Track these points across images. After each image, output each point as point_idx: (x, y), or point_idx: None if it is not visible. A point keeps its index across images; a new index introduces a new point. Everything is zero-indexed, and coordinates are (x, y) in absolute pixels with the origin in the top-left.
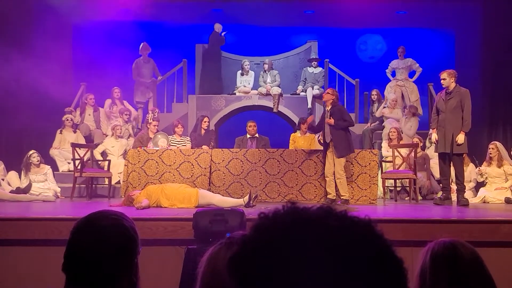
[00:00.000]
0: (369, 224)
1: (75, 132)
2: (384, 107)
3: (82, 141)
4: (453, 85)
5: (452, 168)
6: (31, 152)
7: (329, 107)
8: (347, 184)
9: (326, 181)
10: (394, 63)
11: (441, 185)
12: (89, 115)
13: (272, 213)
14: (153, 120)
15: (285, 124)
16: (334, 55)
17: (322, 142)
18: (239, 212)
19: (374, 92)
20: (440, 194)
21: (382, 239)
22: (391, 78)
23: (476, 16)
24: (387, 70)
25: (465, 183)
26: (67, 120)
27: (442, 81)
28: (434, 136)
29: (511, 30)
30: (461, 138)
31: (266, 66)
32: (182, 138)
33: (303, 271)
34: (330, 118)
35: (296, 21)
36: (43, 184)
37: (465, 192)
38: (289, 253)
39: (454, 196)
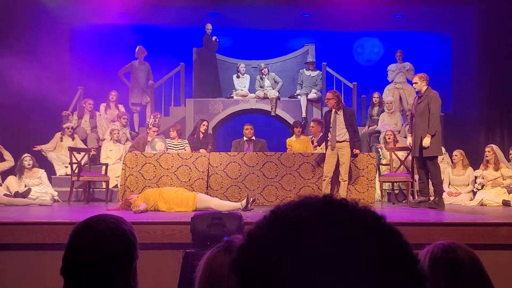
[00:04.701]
0: (378, 217)
1: (73, 140)
2: (383, 112)
3: (81, 146)
4: (424, 88)
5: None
6: (24, 155)
7: (338, 111)
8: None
9: (324, 182)
10: (392, 67)
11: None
12: (86, 121)
13: (281, 207)
14: (153, 126)
15: (282, 127)
16: (331, 59)
17: (318, 144)
18: (237, 216)
19: (375, 95)
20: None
21: (394, 232)
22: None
23: (472, 19)
24: (388, 77)
25: (463, 186)
26: (68, 128)
27: (414, 85)
28: (408, 140)
29: (508, 33)
30: (426, 141)
31: (264, 71)
32: (179, 141)
33: (310, 268)
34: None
35: (294, 24)
36: (40, 188)
37: (442, 194)
38: (295, 248)
39: (449, 199)
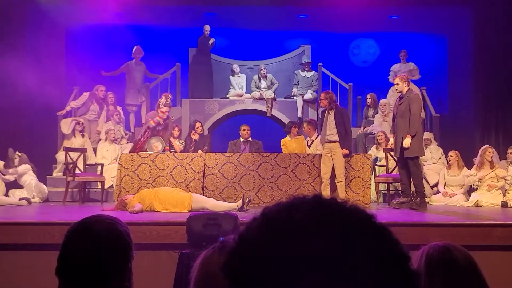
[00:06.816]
0: (368, 216)
1: (83, 136)
2: (377, 113)
3: (89, 145)
4: (405, 89)
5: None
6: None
7: (330, 111)
8: None
9: (322, 184)
10: (395, 67)
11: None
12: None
13: (270, 209)
14: (164, 106)
15: (278, 128)
16: (327, 59)
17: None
18: (232, 216)
19: (368, 96)
20: (402, 198)
21: (387, 234)
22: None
23: (468, 21)
24: (389, 77)
25: (458, 187)
26: (78, 124)
27: (395, 86)
28: (391, 141)
29: (503, 35)
30: (406, 142)
31: (263, 72)
32: (177, 140)
33: (302, 268)
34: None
35: (290, 25)
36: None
37: (424, 195)
38: (287, 250)
39: (438, 199)
